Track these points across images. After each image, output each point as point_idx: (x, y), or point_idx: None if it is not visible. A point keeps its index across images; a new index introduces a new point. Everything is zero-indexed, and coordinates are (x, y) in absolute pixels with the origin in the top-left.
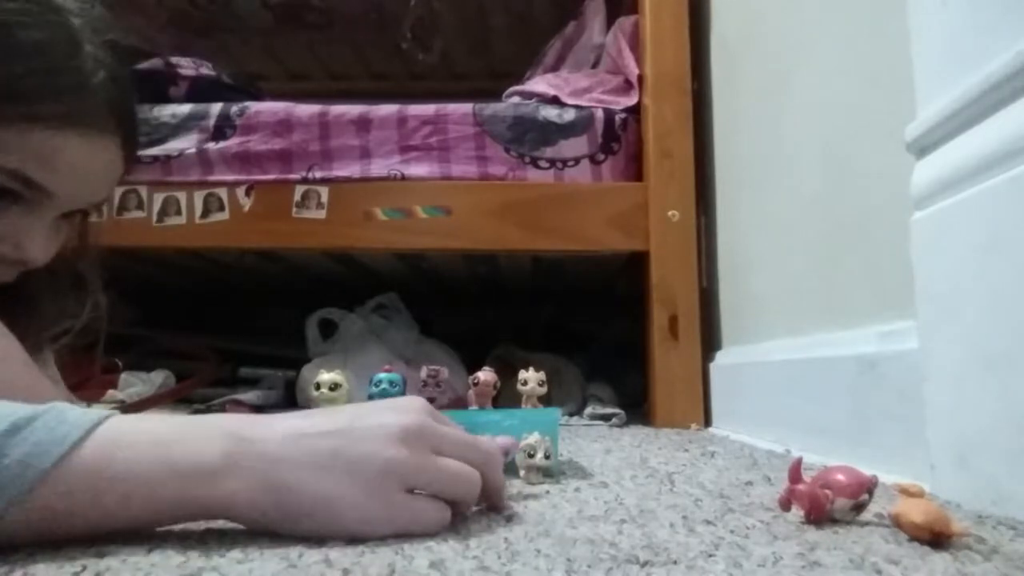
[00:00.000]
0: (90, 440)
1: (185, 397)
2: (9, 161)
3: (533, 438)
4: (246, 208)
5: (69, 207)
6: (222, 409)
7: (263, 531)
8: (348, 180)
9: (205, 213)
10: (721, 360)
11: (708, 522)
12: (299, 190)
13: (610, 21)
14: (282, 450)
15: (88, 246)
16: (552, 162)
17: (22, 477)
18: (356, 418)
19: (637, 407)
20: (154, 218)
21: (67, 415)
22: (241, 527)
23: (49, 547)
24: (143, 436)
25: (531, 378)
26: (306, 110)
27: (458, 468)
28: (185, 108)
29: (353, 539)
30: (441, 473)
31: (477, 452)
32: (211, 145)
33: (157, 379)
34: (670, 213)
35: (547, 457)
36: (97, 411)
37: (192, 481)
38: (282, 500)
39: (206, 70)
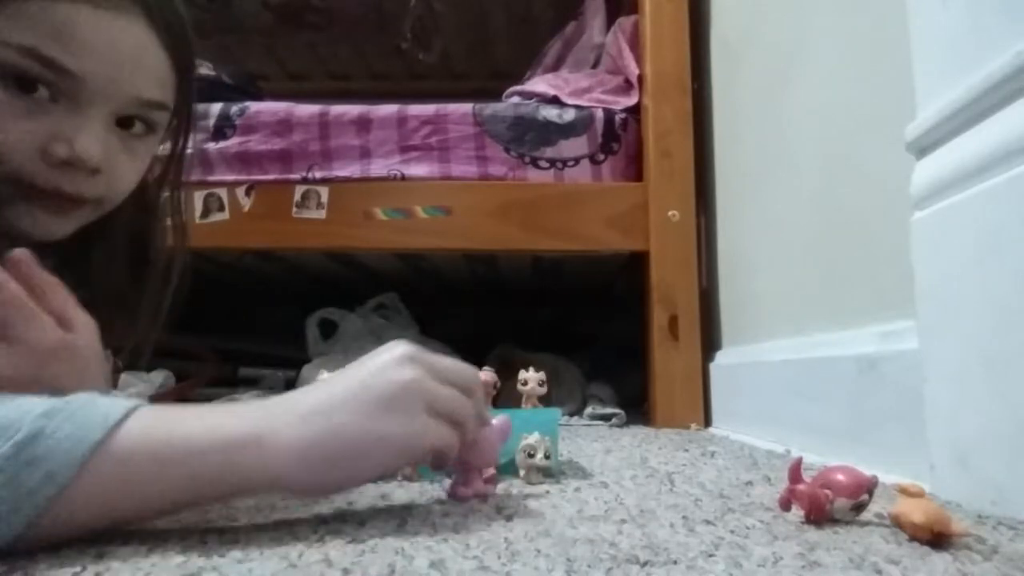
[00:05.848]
0: (138, 414)
1: (185, 397)
2: (25, 38)
3: (533, 438)
4: (246, 208)
5: (108, 100)
6: None
7: (264, 528)
8: (348, 180)
9: (205, 213)
10: (721, 360)
11: (708, 522)
12: (299, 190)
13: (610, 21)
14: (316, 406)
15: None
16: (552, 162)
17: (80, 443)
18: (362, 365)
19: (637, 407)
20: None
21: (100, 400)
22: (240, 527)
23: (49, 547)
24: (187, 411)
25: (531, 378)
26: (306, 110)
27: (458, 395)
28: None
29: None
30: (452, 395)
31: (467, 376)
32: (211, 145)
33: (157, 379)
34: (670, 213)
35: (547, 457)
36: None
37: (238, 448)
38: (328, 448)
39: (206, 70)
